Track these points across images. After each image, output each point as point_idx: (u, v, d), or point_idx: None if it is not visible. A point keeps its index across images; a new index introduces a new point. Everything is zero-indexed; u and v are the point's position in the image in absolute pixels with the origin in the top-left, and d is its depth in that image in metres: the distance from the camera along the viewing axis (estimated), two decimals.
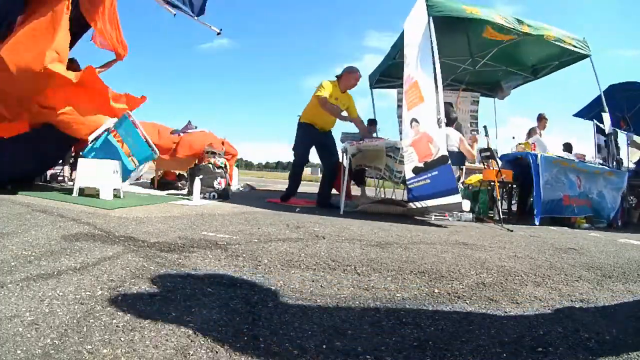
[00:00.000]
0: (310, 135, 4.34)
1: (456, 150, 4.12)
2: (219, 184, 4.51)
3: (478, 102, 6.86)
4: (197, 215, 2.86)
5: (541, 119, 6.07)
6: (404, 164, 3.69)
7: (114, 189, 3.52)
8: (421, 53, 3.53)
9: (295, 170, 4.66)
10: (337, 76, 4.33)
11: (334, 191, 4.75)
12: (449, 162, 3.32)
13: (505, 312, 1.26)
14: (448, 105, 5.43)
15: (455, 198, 3.26)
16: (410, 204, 3.77)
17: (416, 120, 3.43)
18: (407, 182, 3.69)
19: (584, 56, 5.10)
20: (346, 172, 4.12)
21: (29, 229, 1.94)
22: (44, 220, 2.18)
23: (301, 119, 4.37)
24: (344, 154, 4.21)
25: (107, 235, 1.93)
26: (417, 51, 3.61)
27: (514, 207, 5.32)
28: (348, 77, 4.26)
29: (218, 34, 4.38)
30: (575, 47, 4.90)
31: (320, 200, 4.46)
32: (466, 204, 3.52)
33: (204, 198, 4.25)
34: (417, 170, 3.41)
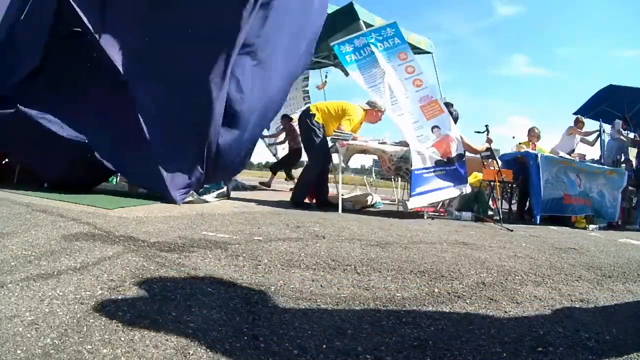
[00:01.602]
0: (325, 137, 4.25)
1: None
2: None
3: (308, 77, 7.95)
4: (197, 215, 2.86)
5: (578, 121, 5.97)
6: (417, 158, 3.99)
7: None
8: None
9: (317, 172, 4.24)
10: (365, 108, 4.30)
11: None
12: (464, 157, 4.26)
13: (505, 312, 1.26)
14: (449, 104, 5.48)
15: (465, 186, 4.15)
16: (411, 200, 3.88)
17: (437, 127, 4.19)
18: (418, 170, 3.94)
19: (428, 52, 6.70)
20: (340, 172, 4.20)
21: (29, 228, 1.94)
22: (44, 220, 2.18)
23: (317, 117, 4.14)
24: (334, 153, 4.29)
25: (107, 235, 1.93)
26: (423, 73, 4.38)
27: (514, 207, 5.32)
28: (375, 116, 4.33)
29: None
30: (425, 47, 6.56)
31: (323, 200, 4.43)
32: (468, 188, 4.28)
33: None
34: (437, 163, 4.08)
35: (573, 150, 5.87)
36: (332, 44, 4.32)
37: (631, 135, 5.87)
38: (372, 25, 4.89)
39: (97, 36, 3.25)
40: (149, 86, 3.33)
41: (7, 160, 4.32)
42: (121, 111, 3.32)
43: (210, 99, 3.24)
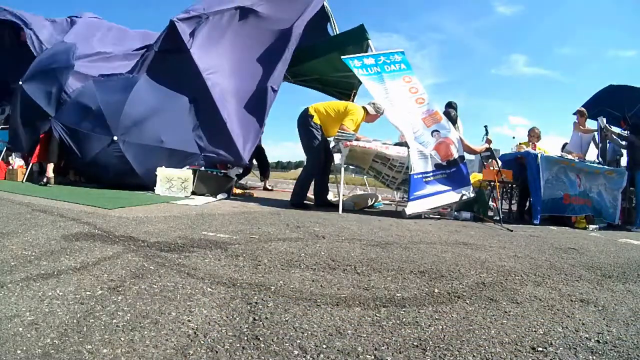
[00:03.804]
0: (324, 139, 4.27)
1: None
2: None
3: None
4: (197, 215, 2.86)
5: (583, 114, 5.95)
6: (418, 163, 4.06)
7: None
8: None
9: (316, 174, 4.37)
10: (366, 108, 4.31)
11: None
12: (465, 160, 4.37)
13: (505, 312, 1.26)
14: (452, 104, 5.49)
15: (468, 189, 4.19)
16: (410, 206, 3.89)
17: (437, 131, 4.36)
18: (417, 175, 3.99)
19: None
20: (342, 172, 4.19)
21: (29, 228, 1.94)
22: (44, 220, 2.19)
23: (315, 119, 4.17)
24: (336, 153, 4.30)
25: (107, 235, 1.93)
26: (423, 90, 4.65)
27: (514, 207, 5.32)
28: (374, 118, 4.39)
29: None
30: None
31: (322, 200, 4.45)
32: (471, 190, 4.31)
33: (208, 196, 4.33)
34: (438, 166, 4.16)
35: (583, 149, 5.80)
36: (342, 57, 4.73)
37: (617, 131, 5.80)
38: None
39: (190, 51, 4.87)
40: (227, 89, 4.97)
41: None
42: (208, 112, 4.80)
43: (266, 96, 4.97)
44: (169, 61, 5.07)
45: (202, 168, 4.74)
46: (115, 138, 4.47)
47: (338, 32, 6.47)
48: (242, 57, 5.30)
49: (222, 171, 4.95)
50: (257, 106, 5.01)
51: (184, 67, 4.92)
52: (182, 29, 5.04)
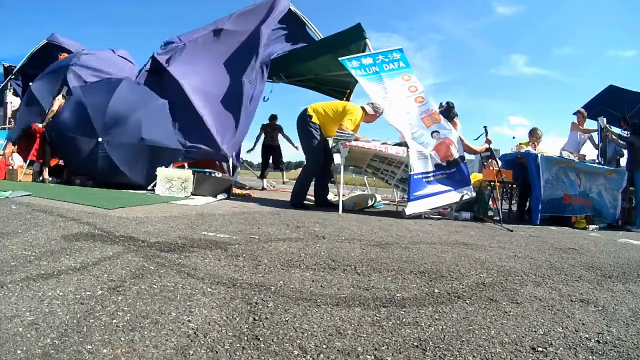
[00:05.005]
0: (324, 139, 4.26)
1: None
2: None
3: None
4: (197, 215, 2.86)
5: (579, 114, 5.95)
6: (417, 163, 4.07)
7: None
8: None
9: (315, 174, 4.41)
10: (364, 108, 4.30)
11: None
12: (465, 160, 4.38)
13: (505, 312, 1.26)
14: (450, 104, 5.51)
15: (469, 189, 4.20)
16: (409, 206, 3.90)
17: (437, 131, 4.40)
18: (417, 175, 4.01)
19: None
20: (341, 172, 4.19)
21: (29, 229, 1.94)
22: (44, 220, 2.18)
23: (314, 119, 4.17)
24: (336, 153, 4.28)
25: (107, 235, 1.93)
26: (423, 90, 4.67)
27: (514, 207, 5.32)
28: (373, 118, 4.39)
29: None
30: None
31: (322, 200, 4.45)
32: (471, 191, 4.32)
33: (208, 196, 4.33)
34: (438, 166, 4.19)
35: (579, 149, 5.81)
36: (340, 59, 4.72)
37: (617, 131, 5.78)
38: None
39: (167, 68, 5.42)
40: (201, 92, 5.25)
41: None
42: (186, 112, 5.08)
43: (241, 90, 5.26)
44: (156, 78, 5.59)
45: (186, 165, 4.93)
46: (100, 139, 4.65)
47: (318, 33, 6.46)
48: (217, 69, 5.68)
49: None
50: (232, 101, 5.29)
51: (164, 82, 5.37)
52: (161, 58, 5.70)
